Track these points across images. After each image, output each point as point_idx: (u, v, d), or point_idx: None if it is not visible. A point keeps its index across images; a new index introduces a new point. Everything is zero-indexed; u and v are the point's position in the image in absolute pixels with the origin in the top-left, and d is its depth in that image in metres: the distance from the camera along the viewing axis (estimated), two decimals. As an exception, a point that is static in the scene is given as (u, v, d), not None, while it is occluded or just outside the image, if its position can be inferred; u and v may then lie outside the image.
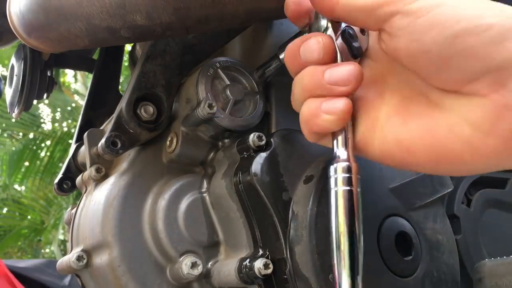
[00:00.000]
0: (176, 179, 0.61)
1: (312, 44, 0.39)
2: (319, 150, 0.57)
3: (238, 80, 0.63)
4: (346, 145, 0.39)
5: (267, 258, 0.52)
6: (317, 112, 0.39)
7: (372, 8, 0.36)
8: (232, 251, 0.57)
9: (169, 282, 0.57)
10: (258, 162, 0.54)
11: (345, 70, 0.38)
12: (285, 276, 0.51)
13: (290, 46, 0.41)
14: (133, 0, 0.48)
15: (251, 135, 0.55)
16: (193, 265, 0.55)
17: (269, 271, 0.51)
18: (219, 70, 0.61)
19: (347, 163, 0.38)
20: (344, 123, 0.39)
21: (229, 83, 0.61)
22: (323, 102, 0.39)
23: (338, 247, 0.37)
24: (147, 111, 0.61)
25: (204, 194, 0.60)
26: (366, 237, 0.52)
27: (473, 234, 0.68)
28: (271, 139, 0.56)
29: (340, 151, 0.39)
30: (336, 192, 0.38)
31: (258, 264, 0.50)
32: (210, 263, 0.58)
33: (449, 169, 0.37)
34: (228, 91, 0.60)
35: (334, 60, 0.40)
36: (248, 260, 0.52)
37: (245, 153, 0.56)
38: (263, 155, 0.54)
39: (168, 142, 0.62)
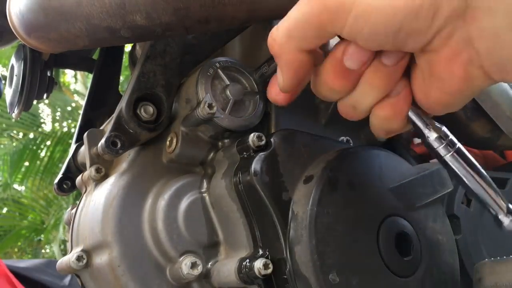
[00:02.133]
0: (176, 179, 0.61)
1: (358, 48, 0.40)
2: (319, 150, 0.57)
3: (238, 80, 0.63)
4: (423, 117, 0.44)
5: (267, 258, 0.52)
6: (396, 109, 0.43)
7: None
8: (232, 251, 0.57)
9: (168, 282, 0.57)
10: (258, 162, 0.54)
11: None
12: (285, 276, 0.51)
13: (332, 68, 0.41)
14: (133, 0, 0.48)
15: (251, 135, 0.55)
16: (193, 265, 0.55)
17: (269, 271, 0.51)
18: (219, 70, 0.61)
19: (441, 130, 0.44)
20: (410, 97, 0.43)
21: (229, 83, 0.61)
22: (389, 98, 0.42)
23: (482, 191, 0.44)
24: (147, 111, 0.61)
25: (204, 194, 0.60)
26: (366, 237, 0.52)
27: (473, 234, 0.68)
28: (271, 139, 0.56)
29: (426, 125, 0.44)
30: (451, 157, 0.44)
31: (258, 264, 0.50)
32: (210, 263, 0.58)
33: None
34: (228, 91, 0.60)
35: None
36: (248, 260, 0.52)
37: (245, 153, 0.56)
38: (263, 155, 0.54)
39: (168, 142, 0.62)
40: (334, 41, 0.42)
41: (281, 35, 0.40)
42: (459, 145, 0.44)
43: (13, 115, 0.83)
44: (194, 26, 0.51)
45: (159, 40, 0.62)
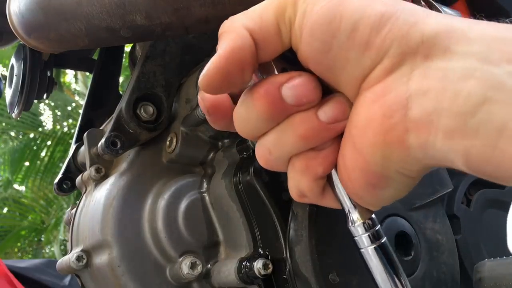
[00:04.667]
0: (176, 179, 0.61)
1: (304, 83, 0.33)
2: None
3: (238, 80, 0.63)
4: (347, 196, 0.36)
5: (266, 258, 0.52)
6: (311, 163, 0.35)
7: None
8: (232, 251, 0.57)
9: (168, 282, 0.57)
10: (258, 162, 0.53)
11: (337, 102, 0.33)
12: (285, 276, 0.51)
13: (266, 88, 0.33)
14: (132, 0, 0.48)
15: (251, 135, 0.55)
16: (193, 265, 0.55)
17: (269, 271, 0.51)
18: (219, 70, 0.61)
19: (369, 216, 0.36)
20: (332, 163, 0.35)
21: (229, 83, 0.61)
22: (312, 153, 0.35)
23: None
24: (147, 111, 0.61)
25: (204, 194, 0.60)
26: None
27: (473, 234, 0.68)
28: (271, 139, 0.56)
29: (352, 206, 0.36)
30: (368, 251, 0.36)
31: (258, 264, 0.50)
32: (209, 263, 0.58)
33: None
34: (228, 91, 0.60)
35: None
36: (247, 260, 0.52)
37: (244, 153, 0.56)
38: (262, 155, 0.54)
39: (168, 142, 0.62)
40: None
41: (238, 14, 0.35)
42: (385, 240, 0.36)
43: (13, 115, 0.83)
44: (194, 26, 0.51)
45: (159, 40, 0.62)
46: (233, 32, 0.34)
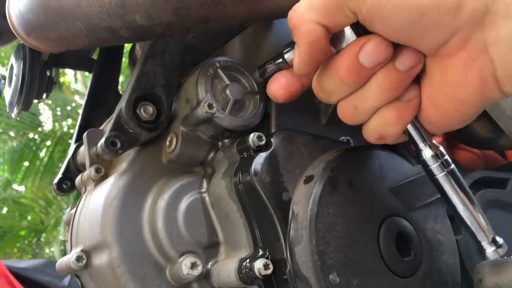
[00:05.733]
0: (176, 179, 0.61)
1: (375, 47, 0.39)
2: (319, 150, 0.57)
3: (238, 80, 0.62)
4: (421, 132, 0.43)
5: (267, 258, 0.51)
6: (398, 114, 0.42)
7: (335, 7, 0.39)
8: (232, 251, 0.57)
9: (168, 283, 0.57)
10: (258, 162, 0.53)
11: (409, 51, 0.40)
12: (285, 277, 0.50)
13: (346, 62, 0.40)
14: (132, 0, 0.48)
15: (251, 135, 0.55)
16: (193, 265, 0.55)
17: (269, 271, 0.50)
18: (219, 70, 0.61)
19: (437, 148, 0.43)
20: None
21: (229, 83, 0.61)
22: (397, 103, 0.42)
23: (469, 215, 0.44)
24: (147, 111, 0.61)
25: (204, 194, 0.60)
26: (366, 238, 0.52)
27: (474, 235, 0.68)
28: (271, 139, 0.56)
29: (423, 141, 0.43)
30: (444, 177, 0.43)
31: (258, 264, 0.50)
32: (210, 263, 0.58)
33: (458, 122, 0.42)
34: (228, 91, 0.60)
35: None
36: (248, 260, 0.52)
37: (245, 153, 0.56)
38: (263, 155, 0.54)
39: (167, 142, 0.62)
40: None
41: (302, 6, 0.40)
42: (453, 166, 0.43)
43: (13, 114, 0.83)
44: (194, 26, 0.51)
45: (159, 40, 0.62)
46: (305, 28, 0.40)
